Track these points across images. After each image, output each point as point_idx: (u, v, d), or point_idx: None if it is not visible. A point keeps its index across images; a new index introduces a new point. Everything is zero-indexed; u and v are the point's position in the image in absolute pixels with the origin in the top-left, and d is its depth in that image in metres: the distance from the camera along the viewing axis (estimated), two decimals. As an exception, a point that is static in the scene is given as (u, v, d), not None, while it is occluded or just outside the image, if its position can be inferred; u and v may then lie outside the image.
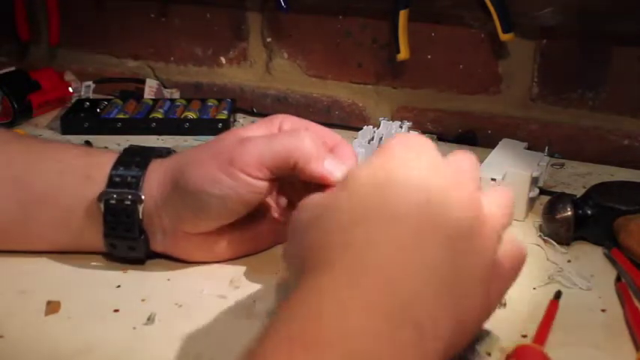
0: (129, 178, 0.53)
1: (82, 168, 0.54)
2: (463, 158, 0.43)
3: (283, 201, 0.56)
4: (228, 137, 0.53)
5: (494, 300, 0.42)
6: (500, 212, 0.42)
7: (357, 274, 0.35)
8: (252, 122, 0.60)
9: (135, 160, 0.54)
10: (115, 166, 0.54)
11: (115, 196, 0.52)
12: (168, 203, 0.52)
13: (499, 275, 0.42)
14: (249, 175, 0.50)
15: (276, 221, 0.57)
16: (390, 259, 0.36)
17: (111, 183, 0.53)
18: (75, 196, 0.53)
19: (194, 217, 0.52)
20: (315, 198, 0.44)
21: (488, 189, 0.44)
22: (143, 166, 0.54)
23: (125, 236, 0.53)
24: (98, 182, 0.53)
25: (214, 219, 0.52)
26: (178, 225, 0.53)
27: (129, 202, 0.52)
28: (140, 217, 0.53)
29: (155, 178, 0.53)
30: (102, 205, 0.53)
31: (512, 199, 0.44)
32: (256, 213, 0.55)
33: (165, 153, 0.57)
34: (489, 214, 0.41)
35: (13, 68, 0.91)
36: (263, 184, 0.51)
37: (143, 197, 0.52)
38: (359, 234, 0.38)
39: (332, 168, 0.50)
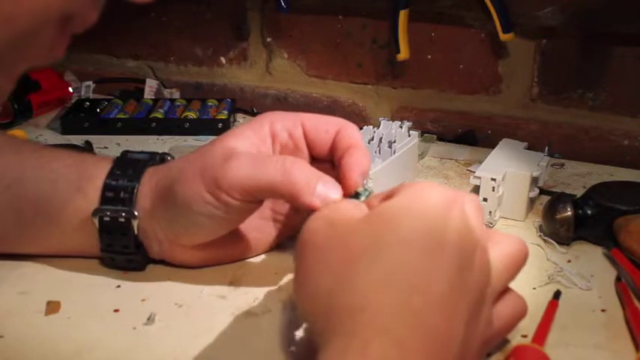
0: (122, 194, 0.52)
1: (75, 180, 0.53)
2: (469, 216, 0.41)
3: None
4: (215, 148, 0.50)
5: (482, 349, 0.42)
6: (505, 267, 0.42)
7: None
8: (243, 123, 0.59)
9: (127, 173, 0.53)
10: (108, 180, 0.52)
11: (108, 213, 0.52)
12: (162, 218, 0.52)
13: (493, 329, 0.42)
14: (233, 197, 0.48)
15: (274, 223, 0.57)
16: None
17: (104, 199, 0.52)
18: (68, 208, 0.53)
19: (187, 233, 0.51)
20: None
21: (499, 237, 0.43)
22: (136, 178, 0.52)
23: (123, 252, 0.53)
24: (90, 196, 0.52)
25: (207, 233, 0.51)
26: (173, 238, 0.52)
27: (123, 220, 0.52)
28: (135, 232, 0.52)
29: (147, 192, 0.52)
30: (96, 221, 0.52)
31: (521, 253, 0.43)
32: (253, 217, 0.53)
33: (159, 160, 0.55)
34: (494, 273, 0.40)
35: (12, 68, 0.91)
36: (250, 205, 0.50)
37: (136, 213, 0.52)
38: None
39: (325, 193, 0.46)
